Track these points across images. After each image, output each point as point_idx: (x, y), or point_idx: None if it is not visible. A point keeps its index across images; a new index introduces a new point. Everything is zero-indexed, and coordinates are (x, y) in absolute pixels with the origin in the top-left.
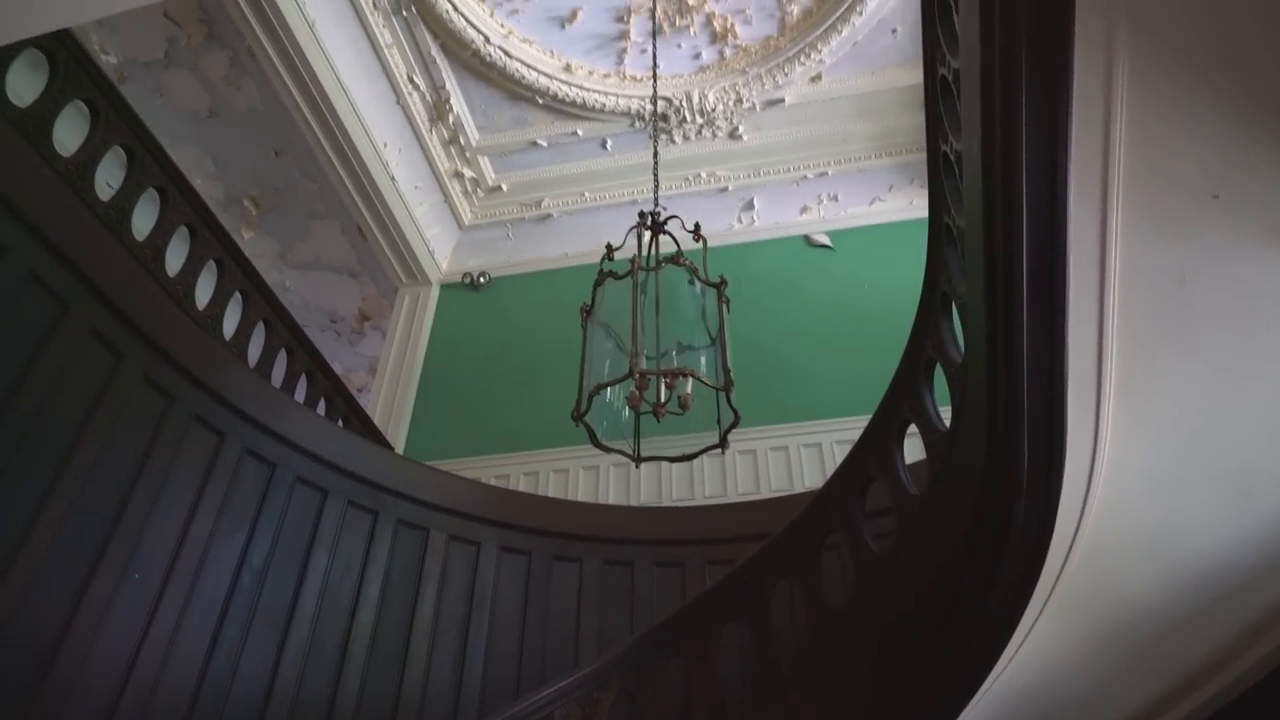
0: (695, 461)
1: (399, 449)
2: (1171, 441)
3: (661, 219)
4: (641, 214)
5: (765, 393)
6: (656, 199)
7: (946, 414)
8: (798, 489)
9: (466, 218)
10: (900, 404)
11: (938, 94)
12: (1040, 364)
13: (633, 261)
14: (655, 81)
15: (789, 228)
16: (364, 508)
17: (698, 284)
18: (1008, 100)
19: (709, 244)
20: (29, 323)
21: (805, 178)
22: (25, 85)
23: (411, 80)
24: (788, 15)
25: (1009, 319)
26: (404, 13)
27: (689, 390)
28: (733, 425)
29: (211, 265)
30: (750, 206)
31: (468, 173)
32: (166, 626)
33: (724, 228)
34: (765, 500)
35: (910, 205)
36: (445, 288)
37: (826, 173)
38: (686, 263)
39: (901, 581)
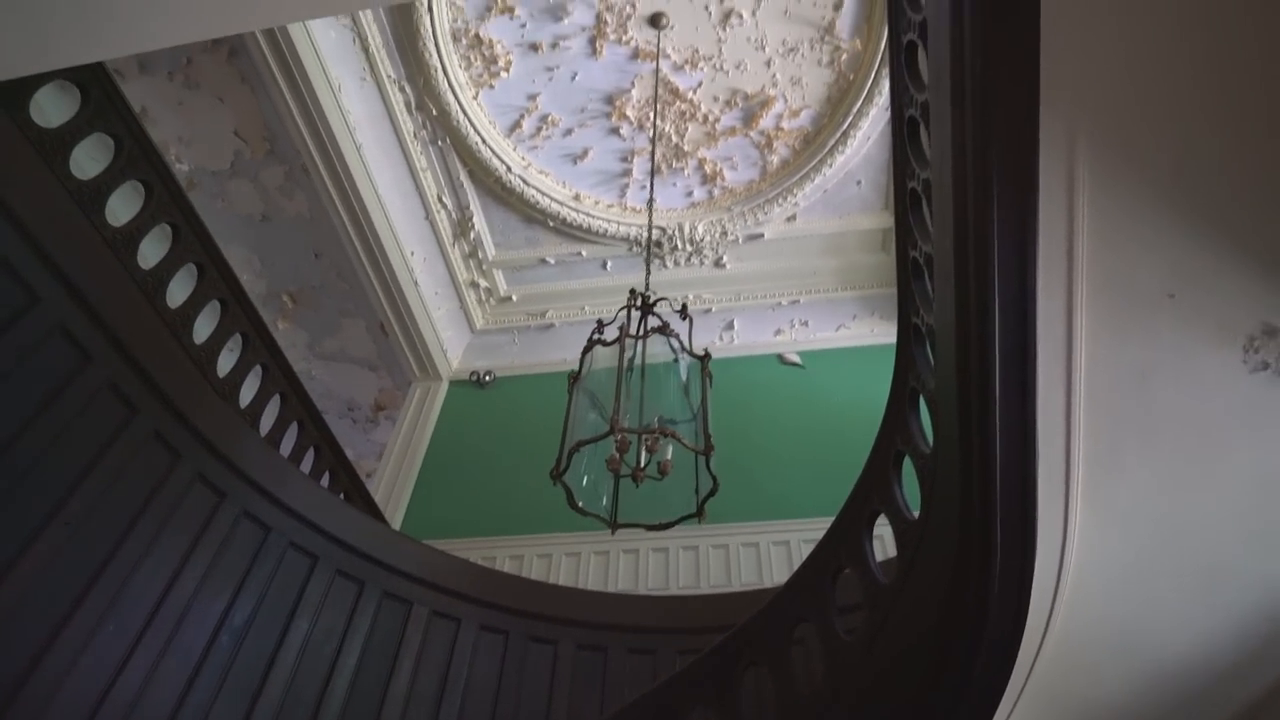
0: (670, 553)
1: (395, 526)
2: (1138, 536)
3: (651, 300)
4: (633, 291)
5: (740, 492)
6: (647, 283)
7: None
8: (767, 584)
9: (479, 323)
10: (870, 494)
11: (907, 206)
12: (1013, 455)
13: (621, 329)
14: (650, 210)
15: (764, 347)
16: (351, 577)
17: (682, 362)
18: (980, 204)
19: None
20: (49, 370)
21: (780, 304)
22: (90, 162)
23: (440, 200)
24: (768, 165)
25: (983, 412)
26: (439, 143)
27: (669, 456)
28: (711, 493)
29: (237, 338)
30: (731, 327)
31: (483, 283)
32: (135, 681)
33: (706, 344)
34: (736, 594)
35: (871, 333)
36: (454, 384)
37: (798, 300)
38: (673, 333)
39: (872, 671)
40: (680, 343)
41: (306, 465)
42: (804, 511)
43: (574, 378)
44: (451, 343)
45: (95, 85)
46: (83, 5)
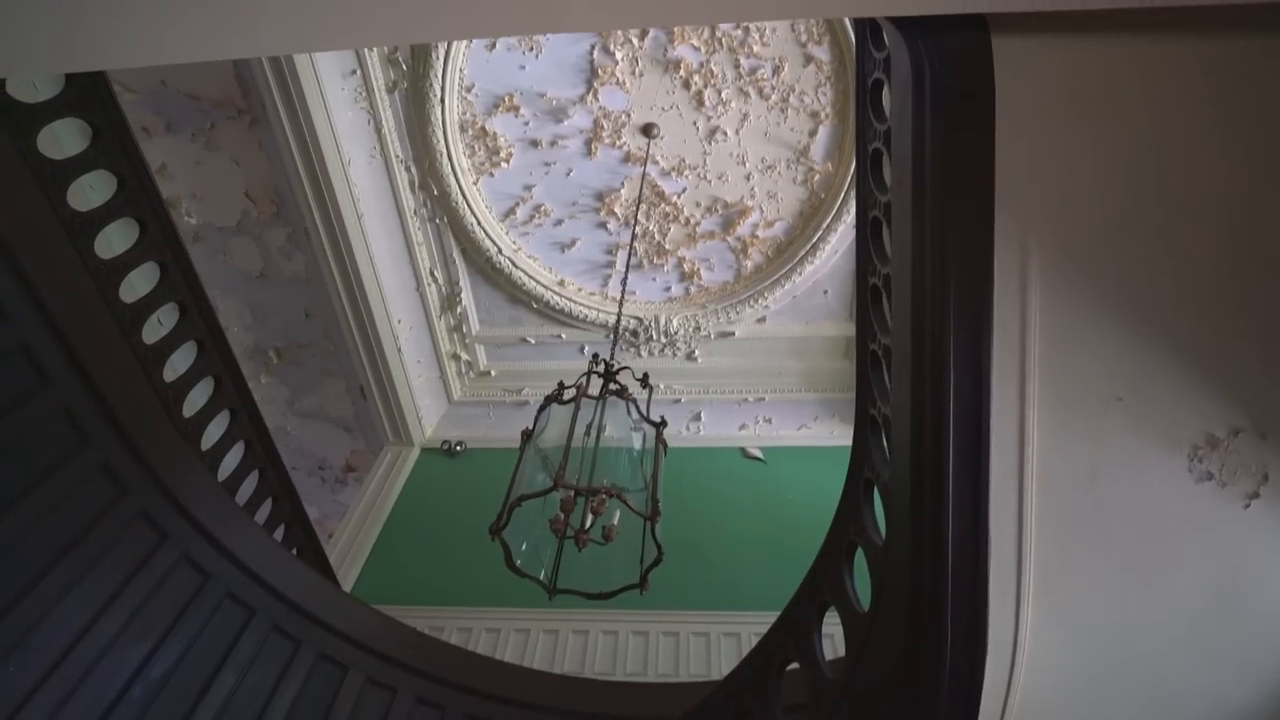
0: (620, 636)
1: (347, 588)
2: (1088, 645)
3: (614, 369)
4: (595, 356)
5: (694, 579)
6: (613, 353)
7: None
8: (715, 675)
9: (456, 394)
10: (821, 584)
11: (868, 300)
12: (965, 546)
13: (578, 388)
14: (624, 290)
15: (729, 440)
16: (288, 635)
17: (636, 433)
18: (937, 296)
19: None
20: (3, 387)
21: (746, 400)
22: (119, 239)
23: (432, 273)
24: (743, 268)
25: (936, 502)
26: (436, 220)
27: (615, 521)
28: (655, 563)
29: (209, 381)
30: (698, 418)
31: (464, 356)
32: None
33: (673, 433)
34: (685, 684)
35: (831, 434)
36: (425, 451)
37: (764, 398)
38: (630, 398)
39: None
40: (638, 409)
41: (263, 515)
42: (757, 604)
43: (527, 434)
44: (428, 410)
45: (109, 128)
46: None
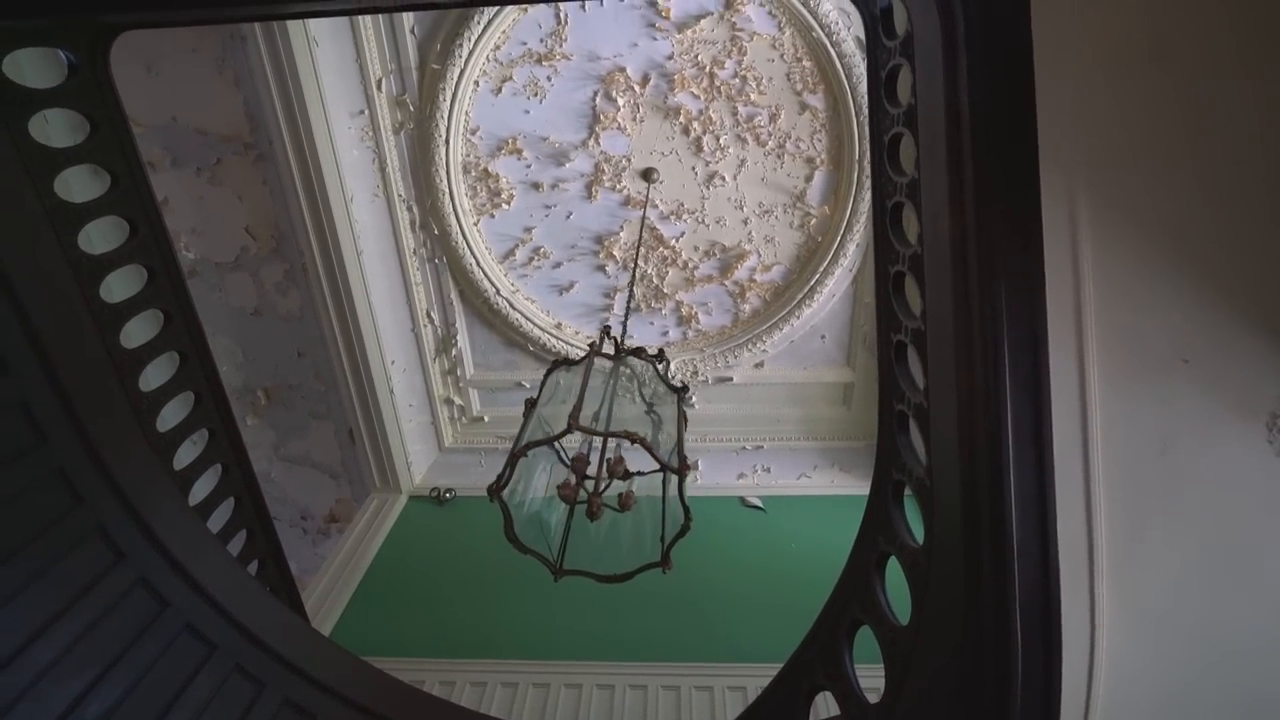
0: (615, 691)
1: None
2: (1172, 647)
3: (625, 347)
4: (606, 328)
5: (695, 630)
6: (625, 327)
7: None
8: None
9: (447, 440)
10: (850, 602)
11: (889, 292)
12: (1030, 533)
13: (591, 346)
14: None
15: (727, 489)
16: (251, 676)
17: (646, 397)
18: (984, 260)
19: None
20: None
21: (744, 448)
22: (121, 287)
23: (429, 314)
24: (741, 313)
25: (994, 483)
26: (435, 260)
27: (633, 488)
28: (682, 533)
29: (181, 386)
30: (695, 466)
31: (457, 401)
32: None
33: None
34: None
35: (832, 484)
36: (413, 498)
37: (763, 446)
38: (647, 357)
39: None
40: (659, 373)
41: (235, 548)
42: (762, 657)
43: (531, 403)
44: (418, 457)
45: (127, 175)
46: None
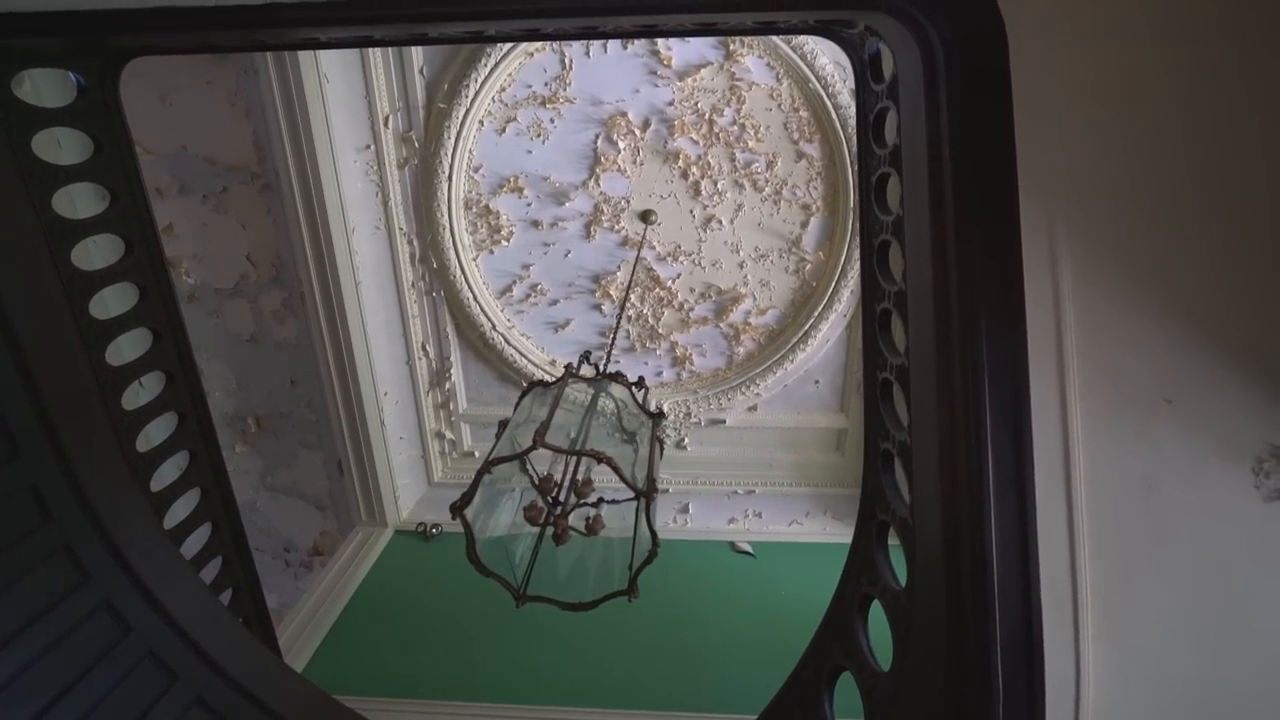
0: None
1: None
2: (1163, 701)
3: (607, 372)
4: (586, 352)
5: (680, 678)
6: (609, 354)
7: None
8: None
9: (437, 475)
10: (832, 646)
11: (875, 330)
12: (1012, 572)
13: (567, 368)
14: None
15: (717, 533)
16: (213, 711)
17: (626, 426)
18: (964, 293)
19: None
20: None
21: (736, 492)
22: (112, 304)
23: (424, 347)
24: (735, 355)
25: (975, 518)
26: (433, 294)
27: (601, 513)
28: (649, 559)
29: (173, 416)
30: (685, 510)
31: (449, 435)
32: None
33: (660, 525)
34: None
35: (824, 531)
36: (399, 533)
37: (754, 491)
38: (625, 381)
39: None
40: (635, 398)
41: (209, 575)
42: (746, 706)
43: (503, 424)
44: (406, 491)
45: (142, 244)
46: None
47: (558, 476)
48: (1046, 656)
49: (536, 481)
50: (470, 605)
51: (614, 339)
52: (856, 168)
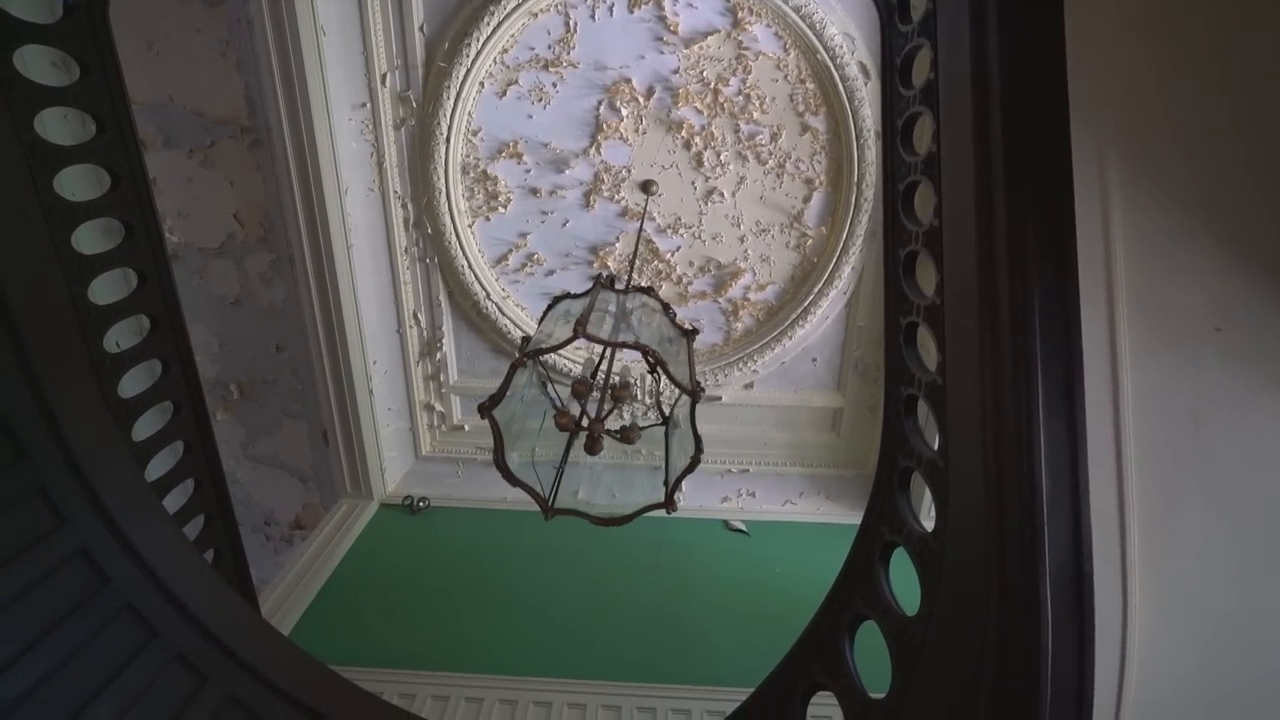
0: (586, 710)
1: None
2: (1209, 637)
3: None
4: (606, 274)
5: (673, 652)
6: (631, 270)
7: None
8: None
9: (425, 448)
10: (853, 596)
11: (899, 275)
12: (1061, 504)
13: (596, 279)
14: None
15: (711, 512)
16: (193, 668)
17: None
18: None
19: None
20: None
21: (730, 471)
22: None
23: (416, 315)
24: (732, 331)
25: (1025, 446)
26: (426, 260)
27: (637, 421)
28: (691, 466)
29: (156, 364)
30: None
31: (438, 407)
32: None
33: None
34: None
35: (818, 511)
36: (385, 506)
37: (748, 470)
38: (655, 295)
39: None
40: (667, 316)
41: (190, 534)
42: (742, 680)
43: (525, 341)
44: (393, 464)
45: (129, 178)
46: None
47: (591, 384)
48: (1095, 586)
49: (559, 405)
50: (458, 579)
51: (635, 252)
52: (882, 98)
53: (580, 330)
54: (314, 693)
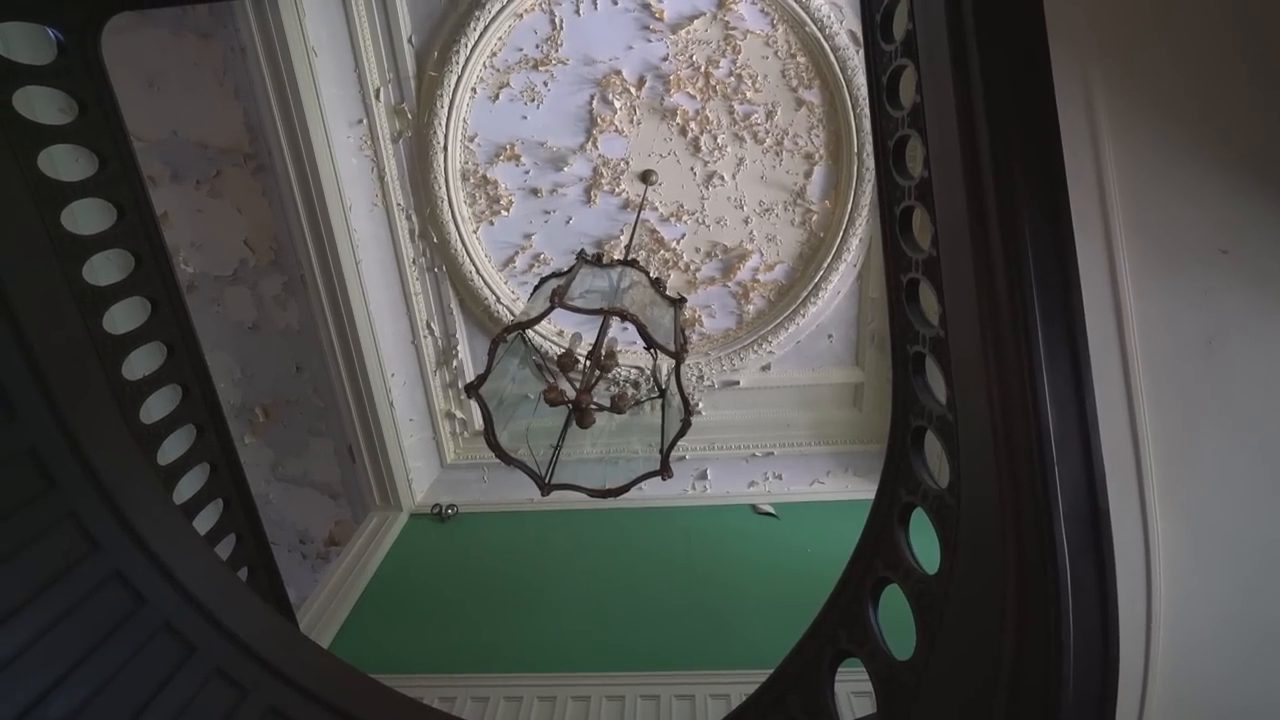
0: (625, 702)
1: None
2: (1238, 564)
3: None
4: (591, 251)
5: (708, 638)
6: (630, 245)
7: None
8: None
9: (449, 456)
10: (874, 561)
11: (896, 233)
12: (1070, 439)
13: (579, 255)
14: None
15: (738, 497)
16: (233, 681)
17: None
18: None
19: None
20: None
21: (754, 455)
22: (124, 319)
23: (429, 325)
24: (745, 314)
25: (1028, 402)
26: (435, 270)
27: (628, 389)
28: (681, 432)
29: (176, 389)
30: (704, 476)
31: (459, 414)
32: None
33: (679, 492)
34: None
35: (846, 489)
36: (414, 516)
37: (773, 453)
38: (642, 268)
39: None
40: (655, 285)
41: (222, 554)
42: (776, 661)
43: (513, 326)
44: (419, 474)
45: (134, 209)
46: None
47: (577, 355)
48: (1114, 523)
49: (550, 379)
50: (490, 581)
51: (633, 234)
52: (865, 55)
53: (556, 300)
54: (355, 700)
